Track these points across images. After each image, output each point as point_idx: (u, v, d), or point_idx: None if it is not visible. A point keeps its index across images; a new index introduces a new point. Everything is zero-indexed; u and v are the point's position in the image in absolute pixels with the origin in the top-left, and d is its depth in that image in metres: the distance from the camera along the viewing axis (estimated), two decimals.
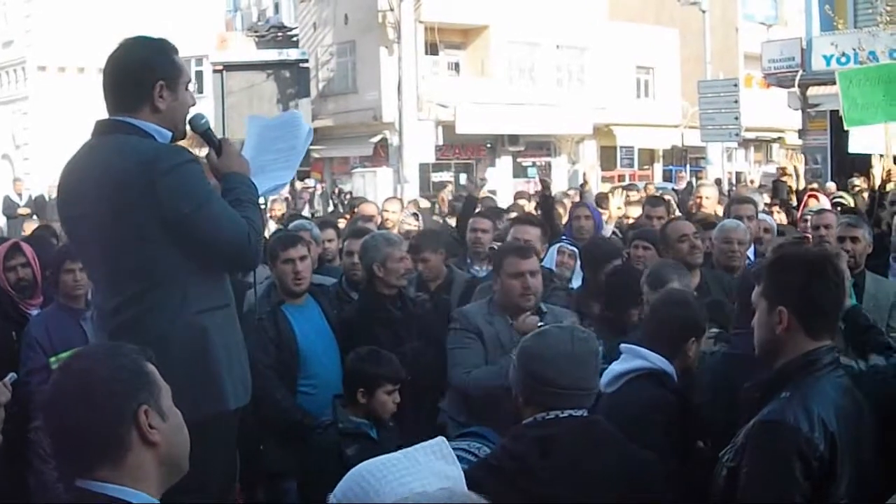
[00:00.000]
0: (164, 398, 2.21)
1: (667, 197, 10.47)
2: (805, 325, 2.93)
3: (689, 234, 6.15)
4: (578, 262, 6.94)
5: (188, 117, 3.76)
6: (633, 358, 3.92)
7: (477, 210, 8.82)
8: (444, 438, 2.66)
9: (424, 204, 13.52)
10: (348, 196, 24.86)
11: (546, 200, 8.64)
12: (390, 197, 13.34)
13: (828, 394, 2.83)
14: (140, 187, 3.41)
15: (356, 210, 10.70)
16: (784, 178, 8.68)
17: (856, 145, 10.36)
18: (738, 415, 3.07)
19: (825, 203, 9.74)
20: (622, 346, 4.09)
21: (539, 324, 4.60)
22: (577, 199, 12.39)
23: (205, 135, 3.83)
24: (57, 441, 2.20)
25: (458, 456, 2.76)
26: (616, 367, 3.98)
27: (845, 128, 11.07)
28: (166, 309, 3.50)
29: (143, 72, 3.59)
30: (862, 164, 16.19)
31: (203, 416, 3.52)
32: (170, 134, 3.64)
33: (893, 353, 3.61)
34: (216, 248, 3.56)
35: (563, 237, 7.90)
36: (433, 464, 2.63)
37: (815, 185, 13.16)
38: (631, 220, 9.86)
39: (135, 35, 3.75)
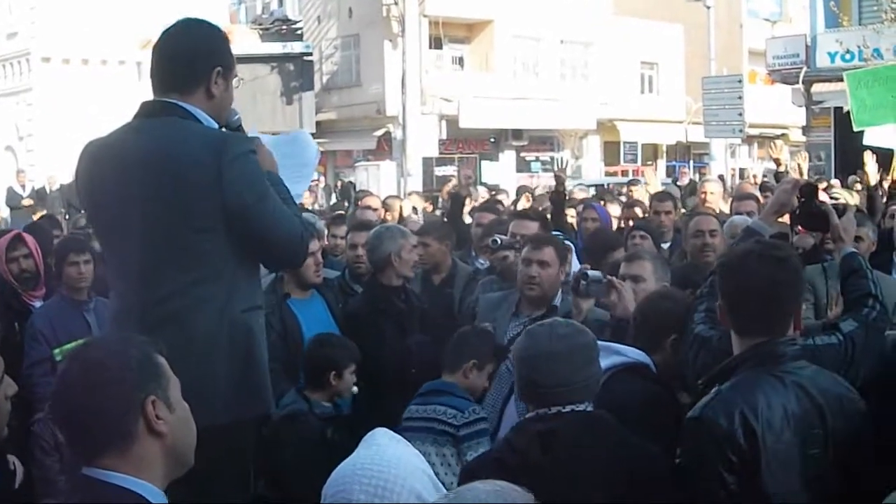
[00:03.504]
0: (173, 390, 2.23)
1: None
2: (731, 321, 2.99)
3: (705, 230, 6.02)
4: (574, 256, 6.96)
5: None
6: (609, 355, 3.77)
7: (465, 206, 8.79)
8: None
9: (418, 202, 13.25)
10: (350, 186, 24.77)
11: (559, 196, 8.56)
12: (392, 195, 13.20)
13: (760, 388, 2.81)
14: (206, 173, 3.27)
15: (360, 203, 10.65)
16: (781, 171, 8.57)
17: (871, 137, 10.28)
18: None
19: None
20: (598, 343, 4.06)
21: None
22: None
23: (237, 132, 3.68)
24: (65, 429, 2.22)
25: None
26: None
27: (854, 129, 11.03)
28: (213, 305, 3.35)
29: (203, 53, 3.46)
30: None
31: (249, 417, 3.52)
32: (216, 125, 3.50)
33: (870, 299, 3.53)
34: (271, 243, 3.45)
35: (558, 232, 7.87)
36: (396, 447, 2.69)
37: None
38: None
39: (192, 17, 3.62)
